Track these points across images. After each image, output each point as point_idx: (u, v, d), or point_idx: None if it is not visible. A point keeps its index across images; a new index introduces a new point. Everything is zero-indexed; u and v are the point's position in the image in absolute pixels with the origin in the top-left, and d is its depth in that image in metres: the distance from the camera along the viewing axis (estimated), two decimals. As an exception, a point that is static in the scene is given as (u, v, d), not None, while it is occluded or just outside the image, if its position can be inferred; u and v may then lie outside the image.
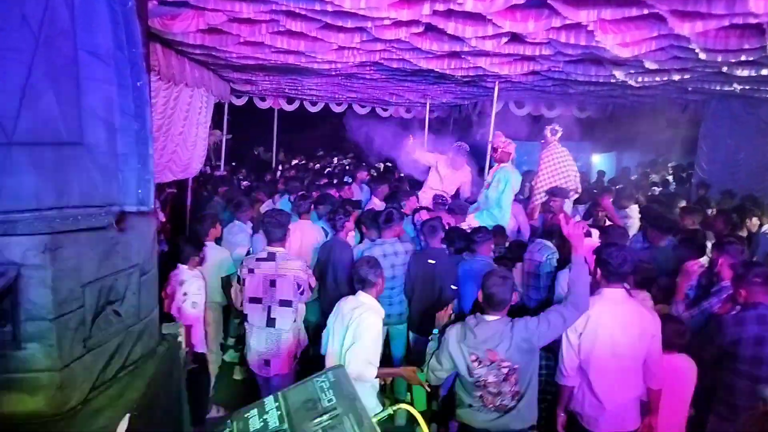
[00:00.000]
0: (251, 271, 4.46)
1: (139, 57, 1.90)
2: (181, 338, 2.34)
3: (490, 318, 3.43)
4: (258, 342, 4.46)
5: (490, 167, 9.09)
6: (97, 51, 1.88)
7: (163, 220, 8.05)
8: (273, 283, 4.40)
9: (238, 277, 4.66)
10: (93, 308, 1.91)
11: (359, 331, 3.56)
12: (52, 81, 1.76)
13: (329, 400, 1.37)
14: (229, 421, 1.48)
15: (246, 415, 1.42)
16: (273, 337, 4.43)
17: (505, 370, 3.36)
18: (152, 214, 2.12)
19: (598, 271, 3.67)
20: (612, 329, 3.50)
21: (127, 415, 1.83)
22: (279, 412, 1.38)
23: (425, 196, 7.90)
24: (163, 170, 7.21)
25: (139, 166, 1.93)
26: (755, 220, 6.74)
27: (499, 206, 6.62)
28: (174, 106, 7.12)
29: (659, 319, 3.63)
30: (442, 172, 8.30)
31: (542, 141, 7.80)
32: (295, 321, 4.49)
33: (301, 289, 4.47)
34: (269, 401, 1.44)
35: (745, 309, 3.70)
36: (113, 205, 1.91)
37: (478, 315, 3.50)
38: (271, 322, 4.40)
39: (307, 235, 5.77)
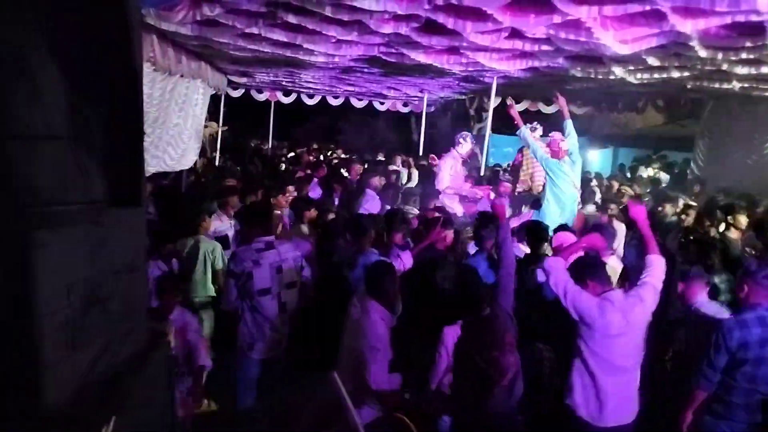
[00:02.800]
0: (256, 262, 4.37)
1: (129, 48, 1.84)
2: (170, 337, 2.29)
3: (484, 314, 3.46)
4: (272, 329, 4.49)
5: (488, 165, 9.07)
6: (85, 42, 1.82)
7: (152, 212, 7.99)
8: (279, 270, 4.46)
9: (232, 272, 4.43)
10: (78, 308, 1.85)
11: (366, 340, 3.51)
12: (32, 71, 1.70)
13: (319, 408, 1.32)
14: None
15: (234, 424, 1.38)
16: (284, 321, 4.53)
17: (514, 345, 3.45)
18: (142, 209, 2.06)
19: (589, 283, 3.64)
20: (622, 330, 3.48)
21: (113, 418, 1.78)
22: (266, 422, 1.34)
23: (451, 199, 7.45)
24: (158, 162, 7.15)
25: (128, 160, 1.88)
26: (743, 219, 6.69)
27: (558, 202, 6.51)
28: (170, 98, 7.06)
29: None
30: (454, 168, 7.90)
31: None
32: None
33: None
34: (257, 408, 1.39)
35: (745, 310, 3.65)
36: (100, 201, 1.86)
37: (469, 318, 3.49)
38: (282, 308, 4.47)
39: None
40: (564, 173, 6.43)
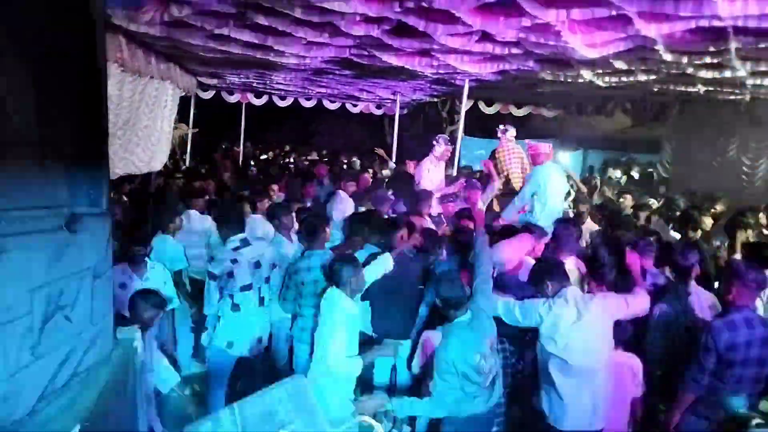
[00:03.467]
0: (235, 261, 4.48)
1: (93, 51, 1.81)
2: (137, 343, 2.26)
3: (465, 318, 3.46)
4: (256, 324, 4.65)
5: (459, 167, 9.11)
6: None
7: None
8: (258, 265, 4.60)
9: (212, 274, 4.54)
10: (42, 314, 1.82)
11: (330, 327, 3.63)
12: (-3, 75, 1.67)
13: (288, 412, 1.32)
14: (182, 434, 1.41)
15: (200, 429, 1.36)
16: (266, 316, 4.73)
17: (495, 346, 3.56)
18: (107, 214, 2.03)
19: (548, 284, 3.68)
20: (576, 323, 3.51)
21: (78, 426, 1.75)
22: (235, 427, 1.32)
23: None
24: (127, 164, 7.04)
25: (91, 165, 1.84)
26: (708, 220, 6.87)
27: (543, 206, 6.51)
28: (139, 99, 6.95)
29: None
30: (432, 170, 7.92)
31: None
32: None
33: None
34: (225, 414, 1.37)
35: (731, 312, 3.68)
36: (63, 207, 1.82)
37: (450, 324, 3.51)
38: (261, 302, 4.65)
39: None
40: (551, 177, 6.46)
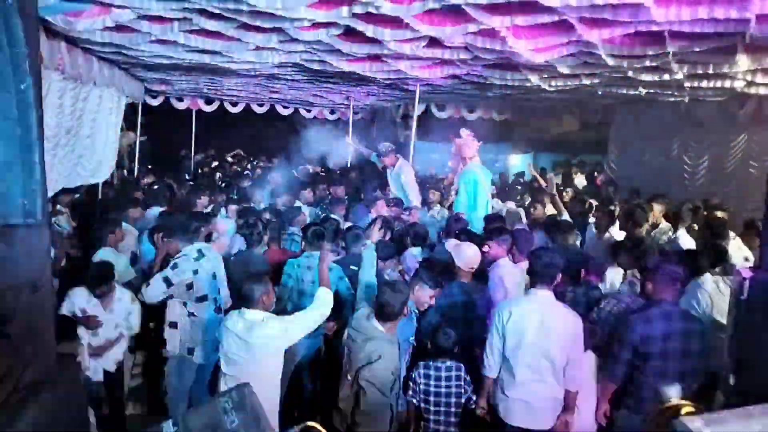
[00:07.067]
0: (196, 272, 4.54)
1: (22, 58, 1.75)
2: (81, 358, 2.19)
3: None
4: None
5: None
6: (-24, 51, 1.72)
7: (74, 225, 7.66)
8: (214, 276, 4.68)
9: (168, 279, 4.53)
10: (-25, 331, 1.74)
11: (266, 350, 3.52)
12: None
13: (232, 422, 1.30)
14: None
15: (143, 443, 1.33)
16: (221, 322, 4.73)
17: None
18: (44, 226, 1.96)
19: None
20: (537, 329, 3.59)
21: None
22: (178, 438, 1.30)
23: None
24: (71, 174, 6.82)
25: (23, 175, 1.78)
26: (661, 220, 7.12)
27: (474, 209, 6.55)
28: (82, 107, 6.75)
29: (581, 321, 3.74)
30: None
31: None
32: None
33: None
34: (167, 426, 1.35)
35: (650, 306, 3.82)
36: (-4, 218, 1.76)
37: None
38: (218, 310, 4.70)
39: None
40: (480, 176, 6.61)
